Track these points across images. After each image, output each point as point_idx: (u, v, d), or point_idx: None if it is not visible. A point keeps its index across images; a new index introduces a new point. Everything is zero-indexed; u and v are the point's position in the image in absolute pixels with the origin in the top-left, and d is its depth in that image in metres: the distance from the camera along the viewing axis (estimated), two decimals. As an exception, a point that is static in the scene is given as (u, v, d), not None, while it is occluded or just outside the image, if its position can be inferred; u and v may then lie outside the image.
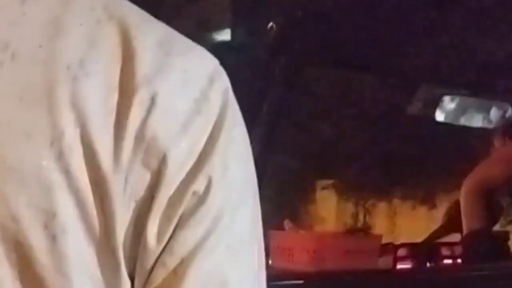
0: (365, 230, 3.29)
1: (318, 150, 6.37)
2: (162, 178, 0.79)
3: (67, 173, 0.77)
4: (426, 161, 6.40)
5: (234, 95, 0.85)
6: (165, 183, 0.79)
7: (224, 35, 7.04)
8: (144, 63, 0.81)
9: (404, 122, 4.53)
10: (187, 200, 0.80)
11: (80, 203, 0.78)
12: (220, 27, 6.68)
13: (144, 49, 0.82)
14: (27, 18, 0.81)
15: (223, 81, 0.85)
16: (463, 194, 3.26)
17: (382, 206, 8.04)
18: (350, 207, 7.88)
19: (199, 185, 0.80)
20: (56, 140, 0.78)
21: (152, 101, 0.80)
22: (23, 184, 0.77)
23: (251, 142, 0.85)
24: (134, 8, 0.86)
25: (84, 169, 0.78)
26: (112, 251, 0.79)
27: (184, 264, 0.79)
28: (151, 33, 0.84)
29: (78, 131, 0.78)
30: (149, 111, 0.79)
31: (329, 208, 7.70)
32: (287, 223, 3.22)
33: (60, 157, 0.77)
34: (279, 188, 6.24)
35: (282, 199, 6.46)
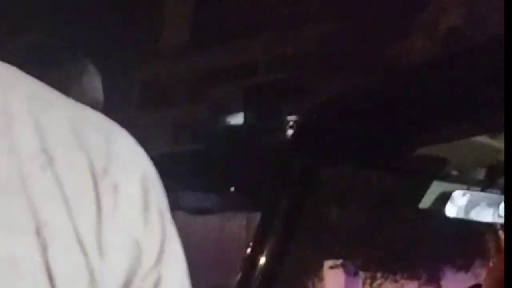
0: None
1: (328, 233, 6.50)
2: (137, 263, 0.84)
3: (49, 264, 0.78)
4: (431, 245, 6.46)
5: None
6: (140, 269, 0.84)
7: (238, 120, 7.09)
8: (97, 152, 0.84)
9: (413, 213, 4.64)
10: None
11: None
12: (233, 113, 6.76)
13: (90, 136, 0.85)
14: None
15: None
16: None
17: (389, 285, 8.08)
18: (358, 286, 7.93)
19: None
20: (40, 229, 0.79)
21: (115, 189, 0.84)
22: (16, 279, 0.77)
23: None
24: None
25: (71, 255, 0.80)
26: None
27: None
28: (92, 118, 0.88)
29: (60, 218, 0.80)
30: (115, 198, 0.83)
31: (337, 287, 7.75)
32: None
33: (45, 246, 0.78)
34: (292, 270, 6.34)
35: (296, 282, 6.56)
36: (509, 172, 2.02)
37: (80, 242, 0.80)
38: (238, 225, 7.65)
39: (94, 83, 1.46)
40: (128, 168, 0.87)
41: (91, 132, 0.86)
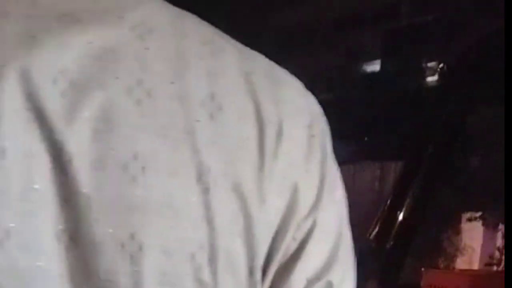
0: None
1: (467, 183, 6.28)
2: (294, 208, 0.83)
3: (209, 208, 0.78)
4: None
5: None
6: (295, 216, 0.83)
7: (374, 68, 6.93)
8: (265, 97, 0.83)
9: None
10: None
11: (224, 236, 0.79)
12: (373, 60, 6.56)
13: (259, 81, 0.84)
14: (152, 53, 0.80)
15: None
16: None
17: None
18: (497, 240, 7.70)
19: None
20: (203, 176, 0.79)
21: (279, 134, 0.83)
22: (175, 220, 0.78)
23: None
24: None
25: (229, 201, 0.80)
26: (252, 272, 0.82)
27: None
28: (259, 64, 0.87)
29: (222, 165, 0.80)
30: (278, 142, 0.83)
31: (475, 240, 7.53)
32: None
33: (206, 191, 0.79)
34: (433, 224, 6.17)
35: (434, 236, 6.39)
36: (509, 172, 1.93)
37: (239, 189, 0.80)
38: (372, 176, 7.46)
39: None
40: (295, 113, 0.86)
41: (261, 76, 0.85)
